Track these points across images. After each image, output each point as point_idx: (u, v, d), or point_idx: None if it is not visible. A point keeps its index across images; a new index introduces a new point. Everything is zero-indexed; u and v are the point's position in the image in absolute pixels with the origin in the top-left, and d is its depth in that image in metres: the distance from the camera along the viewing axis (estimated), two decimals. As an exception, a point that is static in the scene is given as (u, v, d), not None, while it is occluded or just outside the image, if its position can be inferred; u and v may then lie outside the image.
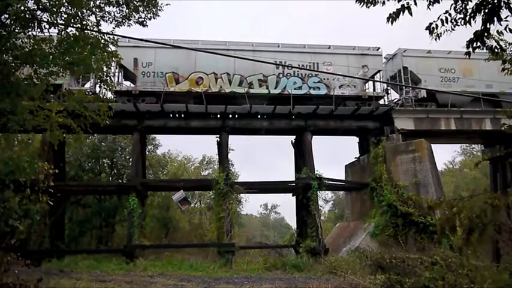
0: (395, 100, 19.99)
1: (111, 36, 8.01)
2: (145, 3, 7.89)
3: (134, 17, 8.13)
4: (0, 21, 7.10)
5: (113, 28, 8.06)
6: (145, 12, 8.09)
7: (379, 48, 19.62)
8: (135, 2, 7.89)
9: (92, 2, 7.59)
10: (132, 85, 18.17)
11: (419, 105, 19.02)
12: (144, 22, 8.20)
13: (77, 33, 7.47)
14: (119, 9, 8.01)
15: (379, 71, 19.26)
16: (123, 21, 8.13)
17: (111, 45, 8.14)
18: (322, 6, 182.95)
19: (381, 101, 19.58)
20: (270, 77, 18.31)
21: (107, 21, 8.06)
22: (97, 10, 7.79)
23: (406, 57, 19.24)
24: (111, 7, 7.92)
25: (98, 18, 7.95)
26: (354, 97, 18.83)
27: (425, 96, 18.92)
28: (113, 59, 8.21)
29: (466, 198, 3.13)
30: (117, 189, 21.26)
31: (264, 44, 19.31)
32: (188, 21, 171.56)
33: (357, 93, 18.80)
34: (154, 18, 8.27)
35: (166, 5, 8.23)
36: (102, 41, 7.84)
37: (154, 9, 8.13)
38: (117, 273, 12.99)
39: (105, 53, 8.07)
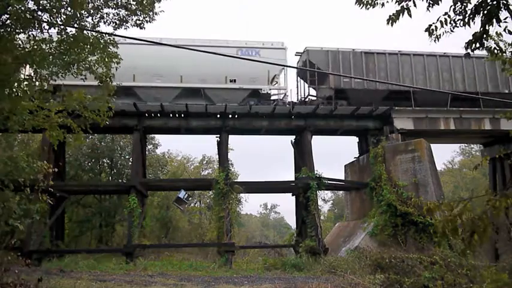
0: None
1: (111, 38, 8.04)
2: (141, 7, 7.93)
3: (132, 19, 8.17)
4: (0, 21, 7.11)
5: (114, 29, 8.10)
6: (142, 15, 8.13)
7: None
8: (133, 6, 7.92)
9: (90, 4, 7.60)
10: None
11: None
12: (142, 25, 8.25)
13: (76, 34, 7.49)
14: (117, 12, 8.05)
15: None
16: (121, 23, 8.17)
17: (111, 46, 8.16)
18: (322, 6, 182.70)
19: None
20: None
21: (105, 23, 8.11)
22: (95, 12, 7.82)
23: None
24: (110, 9, 7.96)
25: (97, 20, 7.98)
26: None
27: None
28: (113, 59, 8.21)
29: (466, 199, 3.14)
30: (117, 189, 21.25)
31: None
32: (187, 21, 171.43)
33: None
34: (151, 22, 8.32)
35: (161, 11, 8.30)
36: (102, 41, 7.86)
37: (151, 13, 8.18)
38: (117, 272, 13.00)
39: (105, 53, 8.09)
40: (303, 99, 19.41)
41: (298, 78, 20.13)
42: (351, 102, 18.68)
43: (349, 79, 18.62)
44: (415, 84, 18.77)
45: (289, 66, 19.41)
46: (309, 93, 19.75)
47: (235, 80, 18.18)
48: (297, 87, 20.03)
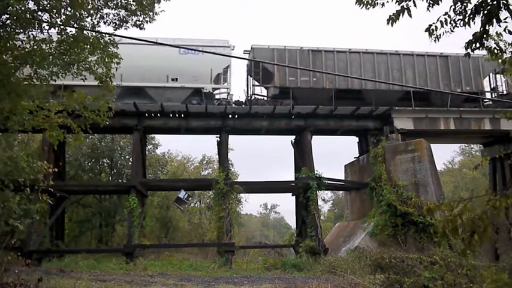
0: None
1: (111, 38, 8.04)
2: (141, 8, 7.93)
3: (132, 19, 8.18)
4: (0, 21, 7.11)
5: (114, 30, 8.11)
6: (142, 15, 8.13)
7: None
8: (133, 6, 7.93)
9: (90, 3, 7.60)
10: None
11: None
12: (142, 25, 8.26)
13: (76, 34, 7.49)
14: (117, 12, 8.05)
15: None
16: (121, 23, 8.17)
17: (111, 46, 8.16)
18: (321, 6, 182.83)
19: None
20: None
21: (105, 23, 8.11)
22: (95, 12, 7.82)
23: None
24: (110, 9, 7.96)
25: (97, 20, 7.99)
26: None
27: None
28: (114, 60, 8.22)
29: (466, 199, 3.14)
30: (117, 189, 21.26)
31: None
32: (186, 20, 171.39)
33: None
34: (150, 22, 8.32)
35: (162, 11, 8.30)
36: (102, 41, 7.86)
37: (151, 14, 8.18)
38: (117, 272, 13.00)
39: (105, 53, 8.10)
40: (249, 98, 18.76)
41: (249, 77, 19.38)
42: (298, 102, 18.26)
43: (294, 77, 18.23)
44: (363, 83, 18.44)
45: (242, 60, 18.79)
46: (253, 92, 19.17)
47: (177, 79, 17.88)
48: (247, 86, 19.35)
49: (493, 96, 20.33)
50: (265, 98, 19.03)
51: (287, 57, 18.37)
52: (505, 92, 20.25)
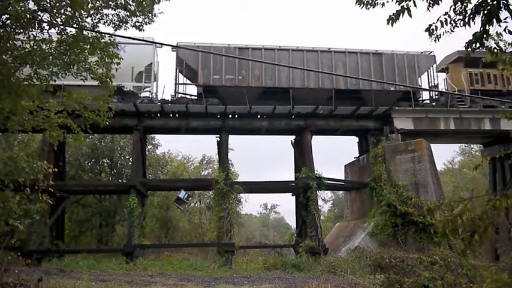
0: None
1: (111, 39, 8.05)
2: (141, 9, 7.94)
3: (132, 20, 8.18)
4: (0, 22, 7.11)
5: (114, 30, 8.12)
6: (142, 16, 8.14)
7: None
8: (132, 7, 7.93)
9: (90, 3, 7.61)
10: None
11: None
12: (141, 27, 8.26)
13: (76, 34, 7.49)
14: (116, 13, 8.06)
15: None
16: (120, 24, 8.18)
17: (111, 47, 8.16)
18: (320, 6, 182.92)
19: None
20: None
21: (104, 24, 8.12)
22: (95, 12, 7.82)
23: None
24: (109, 10, 7.96)
25: (96, 20, 7.99)
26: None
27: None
28: (114, 60, 8.22)
29: (467, 199, 3.14)
30: (117, 189, 21.27)
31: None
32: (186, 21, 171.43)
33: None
34: (150, 24, 8.33)
35: (160, 13, 8.30)
36: (102, 42, 7.86)
37: (150, 15, 8.19)
38: (117, 272, 13.00)
39: (105, 54, 8.10)
40: (173, 97, 18.35)
41: (180, 75, 18.85)
42: (224, 101, 17.95)
43: (219, 76, 17.77)
44: (291, 81, 18.12)
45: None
46: (184, 90, 18.81)
47: None
48: (175, 83, 18.43)
49: (431, 94, 20.12)
50: (190, 97, 18.56)
51: (212, 56, 17.79)
52: (444, 91, 20.20)
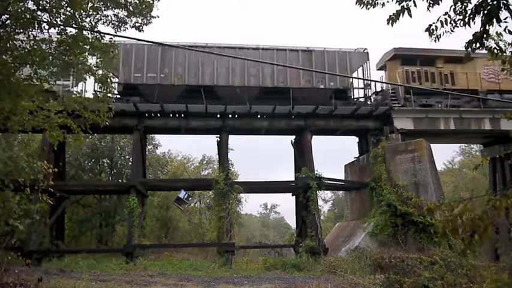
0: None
1: (111, 39, 8.05)
2: (138, 11, 7.96)
3: (131, 21, 8.20)
4: (0, 22, 7.11)
5: (115, 31, 8.13)
6: (140, 17, 8.16)
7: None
8: (131, 8, 7.95)
9: (90, 3, 7.62)
10: None
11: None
12: (140, 27, 8.28)
13: (76, 35, 7.50)
14: (115, 14, 8.07)
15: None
16: (120, 25, 8.19)
17: (111, 48, 8.17)
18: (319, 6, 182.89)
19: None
20: None
21: (103, 24, 8.13)
22: (94, 13, 7.83)
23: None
24: (109, 10, 7.97)
25: (96, 20, 8.00)
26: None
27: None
28: (113, 60, 8.23)
29: (467, 199, 3.14)
30: (117, 189, 21.28)
31: None
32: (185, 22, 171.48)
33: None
34: (147, 25, 8.35)
35: (157, 16, 8.34)
36: (102, 42, 7.87)
37: (148, 16, 8.20)
38: (117, 272, 13.01)
39: (105, 54, 8.10)
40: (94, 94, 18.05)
41: None
42: (146, 99, 17.53)
43: (140, 74, 17.45)
44: (215, 79, 17.83)
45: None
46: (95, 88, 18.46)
47: None
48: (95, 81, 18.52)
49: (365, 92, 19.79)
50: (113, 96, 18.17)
51: (134, 52, 17.58)
52: (379, 89, 20.02)
